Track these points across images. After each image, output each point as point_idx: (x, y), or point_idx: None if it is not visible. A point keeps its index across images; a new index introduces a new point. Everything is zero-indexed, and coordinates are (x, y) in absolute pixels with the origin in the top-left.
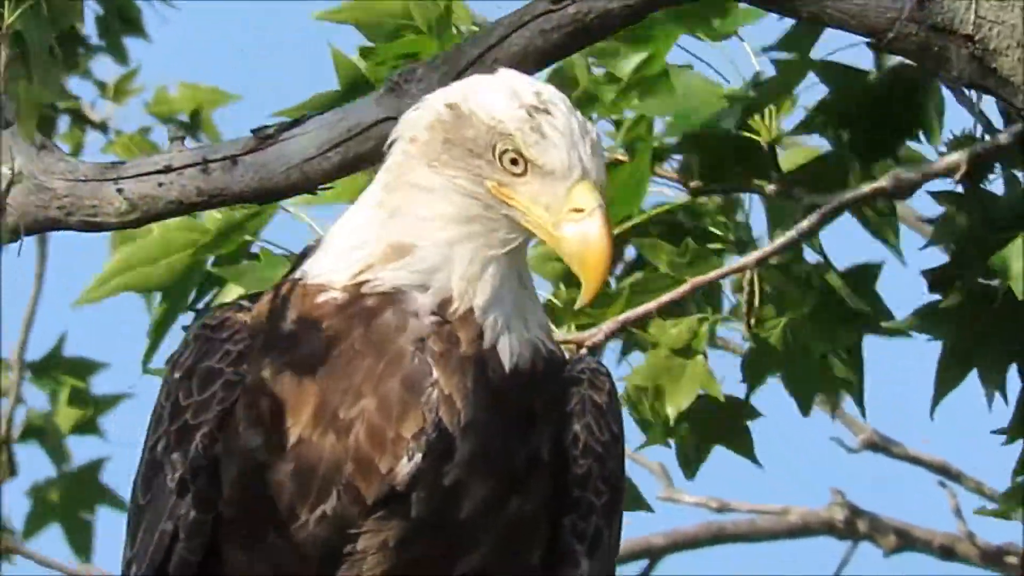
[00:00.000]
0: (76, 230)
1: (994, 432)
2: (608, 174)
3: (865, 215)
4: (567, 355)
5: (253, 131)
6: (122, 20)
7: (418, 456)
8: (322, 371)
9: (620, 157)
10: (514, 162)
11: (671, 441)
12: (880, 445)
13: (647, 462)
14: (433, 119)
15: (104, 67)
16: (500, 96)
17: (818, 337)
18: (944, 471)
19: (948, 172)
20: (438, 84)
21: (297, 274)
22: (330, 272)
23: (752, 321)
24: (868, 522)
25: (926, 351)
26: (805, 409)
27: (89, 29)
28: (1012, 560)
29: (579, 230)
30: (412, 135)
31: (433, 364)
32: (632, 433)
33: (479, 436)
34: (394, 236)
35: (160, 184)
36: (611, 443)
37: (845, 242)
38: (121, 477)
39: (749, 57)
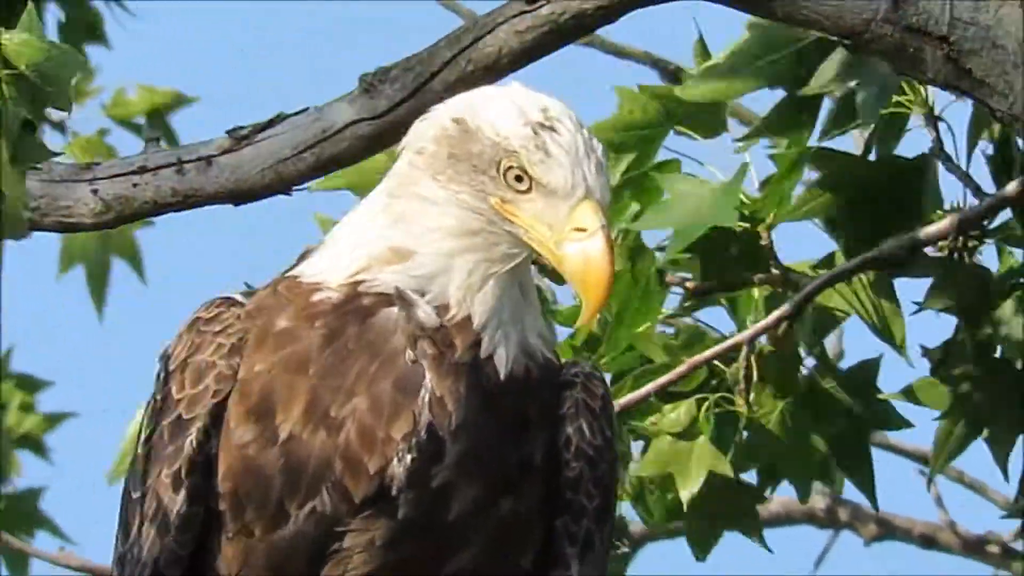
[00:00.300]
0: (51, 231)
1: (1004, 517)
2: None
3: (870, 315)
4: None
5: (228, 132)
6: (84, 26)
7: (408, 458)
8: (315, 369)
9: None
10: (519, 179)
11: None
12: None
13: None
14: (439, 133)
15: None
16: (506, 112)
17: (815, 429)
18: (925, 460)
19: (938, 239)
20: (412, 85)
21: (295, 272)
22: (328, 271)
23: (750, 398)
24: (849, 511)
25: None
26: (804, 495)
27: (50, 33)
28: (993, 549)
29: (581, 249)
30: (420, 146)
31: (427, 367)
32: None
33: (470, 439)
34: (395, 241)
35: (135, 185)
36: (603, 447)
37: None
38: (62, 499)
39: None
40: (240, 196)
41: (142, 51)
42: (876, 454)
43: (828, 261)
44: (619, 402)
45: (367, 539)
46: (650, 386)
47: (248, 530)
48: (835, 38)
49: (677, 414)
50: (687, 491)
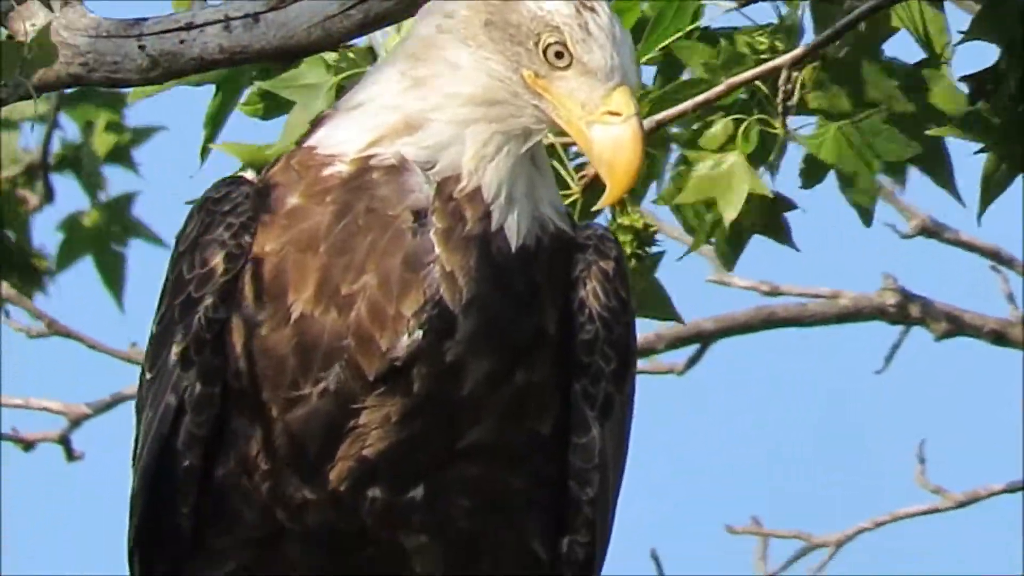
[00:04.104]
0: (98, 85)
1: None
2: None
3: (919, 32)
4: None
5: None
6: None
7: (418, 334)
8: (325, 246)
9: None
10: (559, 55)
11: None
12: (932, 230)
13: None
14: None
15: None
16: None
17: (873, 142)
18: (996, 256)
19: None
20: None
21: (311, 141)
22: (341, 143)
23: (787, 121)
24: (920, 307)
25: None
26: (866, 220)
27: None
28: None
29: (613, 134)
30: (451, 10)
31: (435, 241)
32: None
33: (481, 313)
34: (410, 109)
35: (181, 41)
36: (618, 309)
37: None
38: (153, 211)
39: None
40: (287, 53)
41: None
42: (949, 252)
43: None
44: (654, 118)
45: (382, 415)
46: (687, 103)
47: (265, 410)
48: None
49: (714, 131)
50: (730, 211)
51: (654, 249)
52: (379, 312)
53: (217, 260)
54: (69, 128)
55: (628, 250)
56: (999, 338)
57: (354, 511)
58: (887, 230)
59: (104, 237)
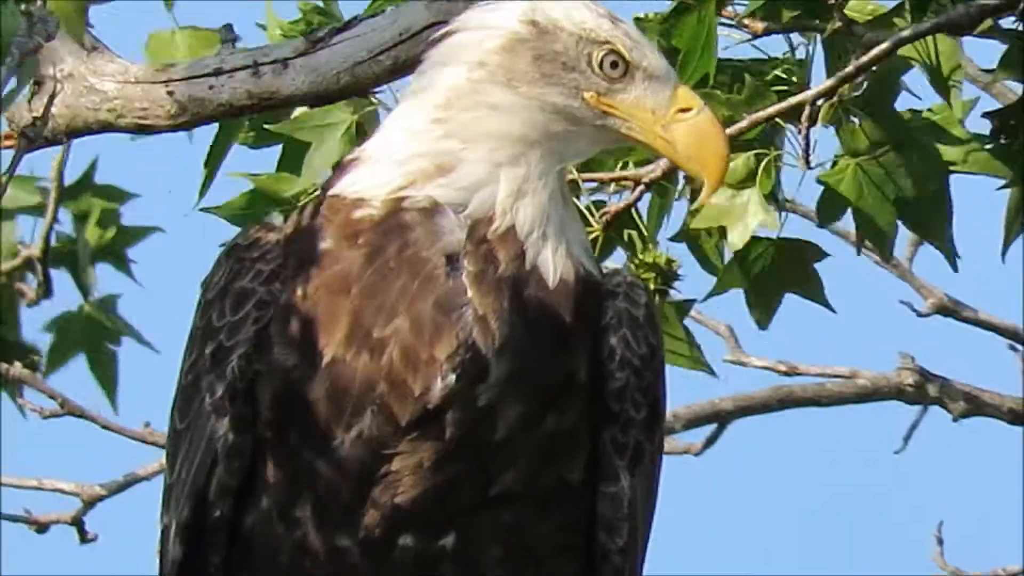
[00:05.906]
0: (127, 132)
1: None
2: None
3: (929, 65)
4: (604, 272)
5: (304, 34)
6: None
7: (451, 377)
8: (356, 289)
9: None
10: (614, 65)
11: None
12: (950, 309)
13: (713, 324)
14: (508, 41)
15: None
16: (579, 9)
17: (892, 179)
18: (1015, 335)
19: (1009, 6)
20: None
21: (336, 189)
22: (371, 187)
23: (810, 158)
24: (938, 387)
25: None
26: (886, 255)
27: None
28: None
29: (693, 126)
30: (479, 59)
31: (468, 284)
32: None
33: (514, 357)
34: (444, 153)
35: (211, 87)
36: (648, 356)
37: None
38: (144, 313)
39: None
40: (316, 99)
41: None
42: (967, 330)
43: (897, 10)
44: None
45: (415, 461)
46: None
47: (296, 457)
48: None
49: (736, 165)
50: (738, 239)
51: (683, 296)
52: (412, 356)
53: (248, 307)
54: (67, 222)
55: (651, 287)
56: (1017, 418)
57: (385, 559)
58: (904, 309)
59: (96, 337)
